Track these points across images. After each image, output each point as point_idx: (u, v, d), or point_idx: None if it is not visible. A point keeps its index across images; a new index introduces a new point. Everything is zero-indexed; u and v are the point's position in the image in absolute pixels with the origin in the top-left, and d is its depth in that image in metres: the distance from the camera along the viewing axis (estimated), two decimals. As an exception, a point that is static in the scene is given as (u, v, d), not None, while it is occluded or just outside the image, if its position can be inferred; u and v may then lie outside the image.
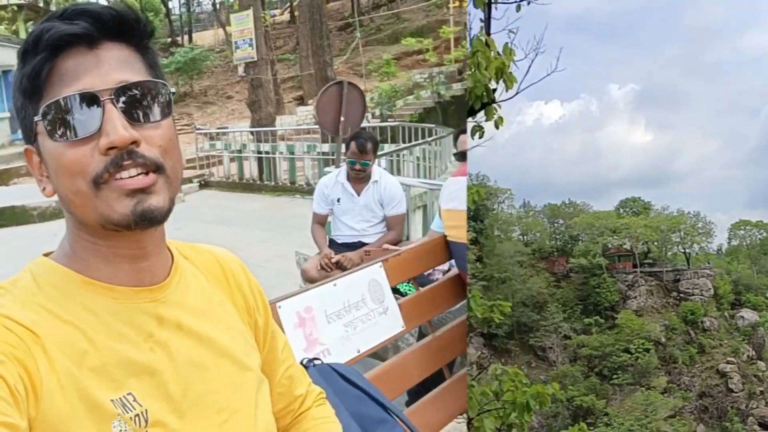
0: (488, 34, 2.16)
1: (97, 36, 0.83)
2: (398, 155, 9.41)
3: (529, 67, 2.10)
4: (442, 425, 1.86)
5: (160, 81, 0.88)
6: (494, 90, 2.04)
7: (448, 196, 1.94)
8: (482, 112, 2.08)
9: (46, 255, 0.91)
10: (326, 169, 7.28)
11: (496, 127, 2.08)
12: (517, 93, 2.09)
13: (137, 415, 0.81)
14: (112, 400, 0.80)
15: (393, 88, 19.21)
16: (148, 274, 0.90)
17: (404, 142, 13.67)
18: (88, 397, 0.78)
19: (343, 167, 4.17)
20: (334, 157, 10.85)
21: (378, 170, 4.18)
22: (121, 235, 0.85)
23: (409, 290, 3.39)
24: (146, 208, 0.82)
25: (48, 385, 0.76)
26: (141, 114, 0.84)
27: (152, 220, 0.83)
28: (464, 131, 3.48)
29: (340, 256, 3.85)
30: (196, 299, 0.95)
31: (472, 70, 2.00)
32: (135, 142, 0.82)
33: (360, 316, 1.60)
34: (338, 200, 4.11)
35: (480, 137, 2.11)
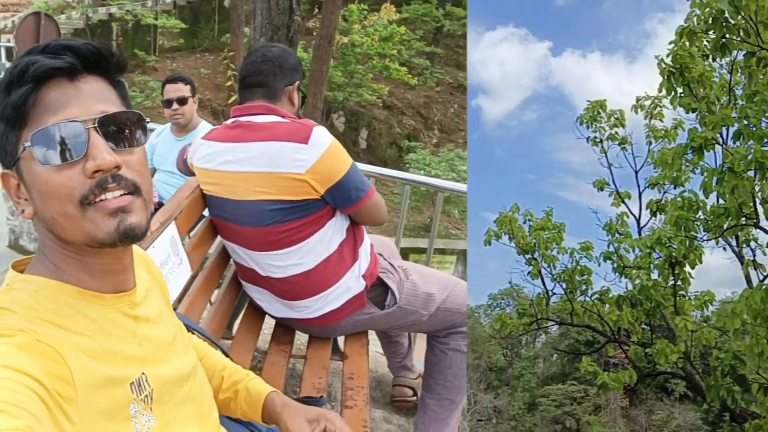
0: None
1: (79, 69, 0.91)
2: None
3: None
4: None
5: (137, 112, 0.96)
6: None
7: (206, 158, 2.24)
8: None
9: (19, 270, 0.96)
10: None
11: None
12: None
13: (146, 395, 0.94)
14: (131, 384, 0.92)
15: (47, 6, 17.01)
16: (124, 283, 1.00)
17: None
18: (114, 382, 0.89)
19: None
20: None
21: None
22: (105, 252, 0.93)
23: None
24: (128, 226, 0.91)
25: (82, 388, 0.84)
26: (119, 141, 0.92)
27: (134, 237, 0.92)
28: (171, 80, 3.74)
29: None
30: (147, 293, 1.08)
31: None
32: (117, 166, 0.90)
33: (169, 270, 1.85)
34: None
35: None
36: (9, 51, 16.15)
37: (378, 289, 2.37)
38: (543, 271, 3.75)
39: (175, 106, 3.63)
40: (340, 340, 2.64)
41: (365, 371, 2.32)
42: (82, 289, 0.94)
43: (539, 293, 3.79)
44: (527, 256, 3.80)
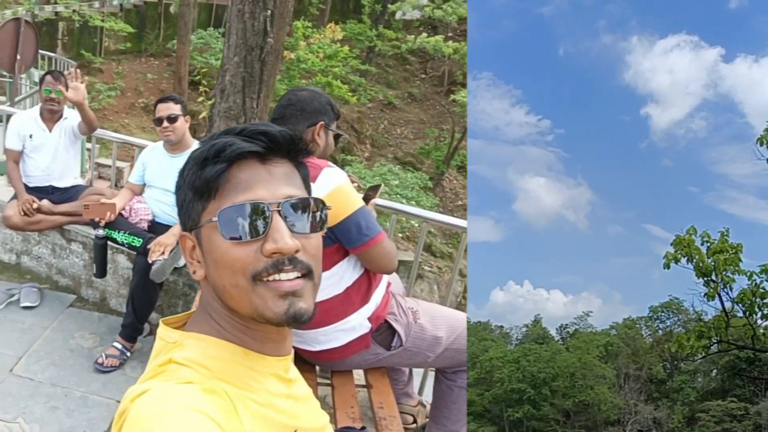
0: None
1: (271, 153, 0.95)
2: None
3: None
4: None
5: (320, 199, 0.98)
6: None
7: None
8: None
9: (173, 326, 1.00)
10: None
11: None
12: None
13: None
14: None
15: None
16: (283, 348, 1.02)
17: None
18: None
19: (37, 107, 4.17)
20: None
21: (67, 110, 4.21)
22: (270, 326, 0.95)
23: (126, 239, 3.59)
24: (297, 311, 0.91)
25: None
26: (300, 225, 0.94)
27: (301, 322, 0.93)
28: (162, 100, 3.80)
29: (44, 202, 3.99)
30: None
31: None
32: (297, 250, 0.92)
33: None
34: (30, 136, 4.09)
35: None
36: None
37: (385, 331, 2.37)
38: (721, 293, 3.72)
39: (165, 123, 3.69)
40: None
41: (392, 400, 2.33)
42: (247, 349, 0.97)
43: (717, 315, 3.72)
44: (705, 279, 3.77)
